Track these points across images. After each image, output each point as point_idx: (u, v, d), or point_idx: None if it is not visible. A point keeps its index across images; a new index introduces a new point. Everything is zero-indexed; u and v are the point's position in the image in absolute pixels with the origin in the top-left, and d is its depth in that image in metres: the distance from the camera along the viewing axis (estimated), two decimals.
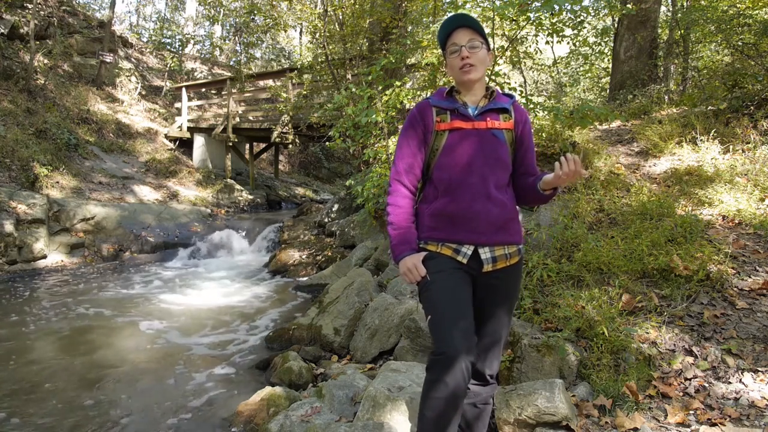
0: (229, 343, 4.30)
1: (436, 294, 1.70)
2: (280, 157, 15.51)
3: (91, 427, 2.90)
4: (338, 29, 8.53)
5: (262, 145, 13.75)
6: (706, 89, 6.66)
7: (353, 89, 5.72)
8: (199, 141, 12.87)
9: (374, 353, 3.57)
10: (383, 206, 4.56)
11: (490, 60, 1.86)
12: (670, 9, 11.13)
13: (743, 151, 4.77)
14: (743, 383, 2.32)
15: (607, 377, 2.48)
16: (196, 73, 18.04)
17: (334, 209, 8.06)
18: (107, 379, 3.53)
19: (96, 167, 10.17)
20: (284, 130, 11.00)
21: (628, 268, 3.20)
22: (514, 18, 4.95)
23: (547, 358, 2.59)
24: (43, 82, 11.33)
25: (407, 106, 5.54)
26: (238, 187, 11.61)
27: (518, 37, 6.86)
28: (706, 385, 2.35)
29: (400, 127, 3.82)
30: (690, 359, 2.50)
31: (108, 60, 13.46)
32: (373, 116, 5.09)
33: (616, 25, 10.05)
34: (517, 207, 1.85)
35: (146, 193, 10.08)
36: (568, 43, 8.36)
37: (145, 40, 19.98)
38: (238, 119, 12.44)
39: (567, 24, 6.02)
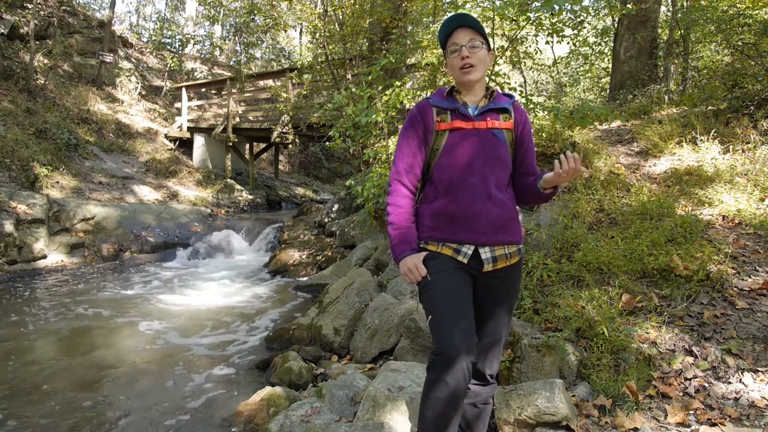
0: (228, 343, 4.30)
1: (437, 294, 1.70)
2: (280, 157, 15.52)
3: (90, 428, 2.89)
4: (338, 29, 8.54)
5: (262, 145, 13.75)
6: (706, 89, 6.66)
7: (353, 89, 5.72)
8: (199, 141, 12.87)
9: (374, 353, 3.57)
10: (383, 206, 4.56)
11: (491, 60, 1.86)
12: (670, 9, 11.13)
13: (743, 151, 4.77)
14: (743, 383, 2.32)
15: (607, 377, 2.48)
16: (196, 73, 18.05)
17: (334, 209, 8.06)
18: (106, 379, 3.52)
19: (96, 167, 10.17)
20: (284, 130, 11.00)
21: (628, 268, 3.20)
22: (514, 18, 4.95)
23: (547, 358, 2.59)
24: (43, 82, 11.33)
25: (407, 106, 5.54)
26: (238, 187, 11.61)
27: (518, 37, 6.86)
28: (706, 385, 2.35)
29: (400, 127, 3.82)
30: (690, 359, 2.50)
31: (108, 60, 13.46)
32: (373, 116, 5.09)
33: (616, 25, 10.05)
34: (517, 207, 1.85)
35: (146, 193, 10.08)
36: (568, 43, 8.36)
37: (145, 40, 19.99)
38: (238, 119, 12.44)
39: (567, 24, 6.02)
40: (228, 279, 6.66)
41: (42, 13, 12.92)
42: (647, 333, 2.65)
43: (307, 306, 5.15)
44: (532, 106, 5.12)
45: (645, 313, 2.84)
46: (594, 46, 11.16)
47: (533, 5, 4.75)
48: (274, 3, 10.38)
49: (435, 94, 1.85)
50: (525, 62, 10.22)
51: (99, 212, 8.00)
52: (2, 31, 11.39)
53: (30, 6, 11.89)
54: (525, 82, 12.22)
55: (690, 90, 8.35)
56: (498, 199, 1.74)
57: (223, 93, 13.87)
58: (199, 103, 14.29)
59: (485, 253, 1.74)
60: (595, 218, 4.09)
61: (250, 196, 11.61)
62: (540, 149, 4.99)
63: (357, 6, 8.22)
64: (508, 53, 7.07)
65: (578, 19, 6.23)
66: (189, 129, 13.11)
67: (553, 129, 5.23)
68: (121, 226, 8.10)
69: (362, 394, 2.56)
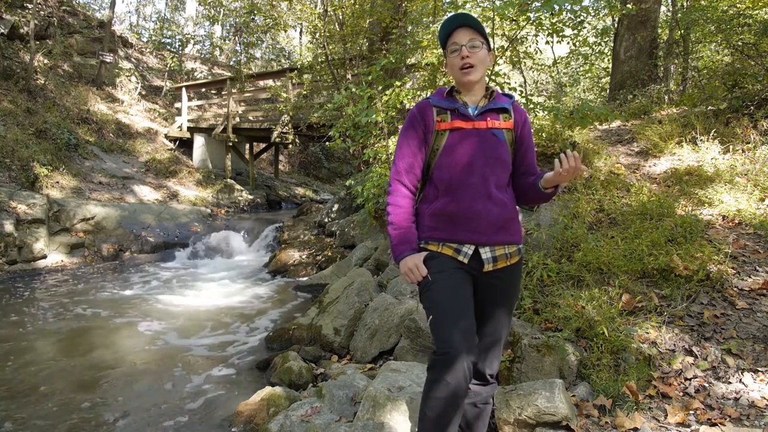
0: (228, 343, 4.29)
1: (438, 294, 1.70)
2: (280, 157, 15.52)
3: (88, 429, 2.89)
4: (338, 29, 8.54)
5: (262, 145, 13.75)
6: (706, 89, 6.66)
7: (353, 89, 5.72)
8: (199, 141, 12.87)
9: (374, 353, 3.57)
10: (383, 206, 4.56)
11: (491, 60, 1.86)
12: (670, 9, 11.13)
13: (743, 151, 4.77)
14: (743, 383, 2.32)
15: (607, 377, 2.48)
16: (196, 73, 18.05)
17: (334, 209, 8.06)
18: (105, 380, 3.52)
19: (96, 167, 10.17)
20: (284, 130, 11.00)
21: (628, 268, 3.19)
22: (514, 18, 4.95)
23: (547, 358, 2.59)
24: (43, 82, 11.33)
25: (407, 106, 5.54)
26: (238, 187, 11.61)
27: (518, 37, 6.86)
28: (706, 385, 2.35)
29: (400, 127, 3.82)
30: (690, 359, 2.49)
31: (108, 60, 13.46)
32: (373, 116, 5.09)
33: (616, 25, 10.05)
34: (517, 207, 1.86)
35: (146, 193, 10.08)
36: (568, 43, 8.36)
37: (145, 40, 19.99)
38: (238, 119, 12.44)
39: (567, 24, 6.02)
40: (228, 279, 6.66)
41: (42, 13, 12.92)
42: (647, 333, 2.65)
43: (307, 306, 5.15)
44: (532, 106, 5.12)
45: (645, 313, 2.84)
46: (594, 46, 11.17)
47: (533, 5, 4.75)
48: (274, 3, 10.38)
49: (435, 94, 1.85)
50: (525, 62, 10.22)
51: (99, 212, 8.00)
52: (2, 31, 11.39)
53: (30, 6, 11.89)
54: (525, 82, 12.21)
55: (690, 90, 8.35)
56: (498, 199, 1.74)
57: (223, 93, 13.87)
58: (199, 103, 14.29)
59: (485, 253, 1.74)
60: (595, 218, 4.09)
61: (250, 196, 11.61)
62: (540, 149, 4.99)
63: (357, 6, 8.22)
64: (508, 53, 7.07)
65: (578, 19, 6.24)
66: (189, 129, 13.11)
67: (553, 129, 5.23)
68: (121, 226, 8.10)
69: (362, 394, 2.56)
